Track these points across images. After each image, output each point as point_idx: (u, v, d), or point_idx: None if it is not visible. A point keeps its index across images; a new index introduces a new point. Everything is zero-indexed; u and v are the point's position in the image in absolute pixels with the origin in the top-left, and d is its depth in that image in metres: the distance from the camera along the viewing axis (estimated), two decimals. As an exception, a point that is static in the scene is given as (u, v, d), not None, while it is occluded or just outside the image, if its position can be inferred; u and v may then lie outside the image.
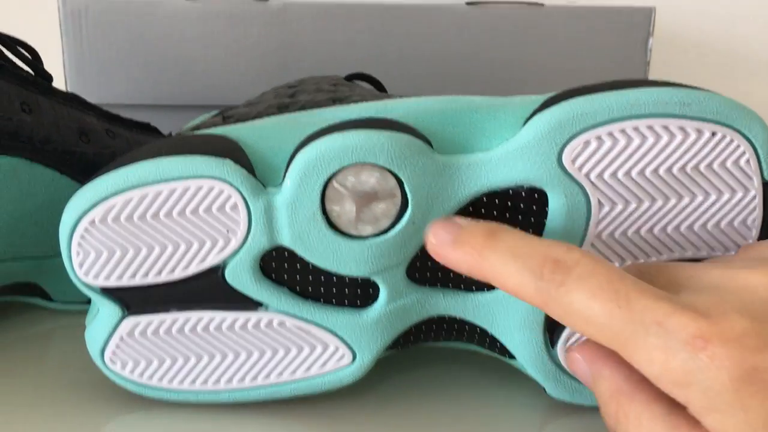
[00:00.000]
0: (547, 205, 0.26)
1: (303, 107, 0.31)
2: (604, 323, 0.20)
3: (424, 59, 0.52)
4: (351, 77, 0.39)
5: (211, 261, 0.26)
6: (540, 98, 0.27)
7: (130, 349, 0.28)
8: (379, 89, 0.40)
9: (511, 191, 0.26)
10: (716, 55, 0.70)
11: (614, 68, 0.53)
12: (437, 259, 0.25)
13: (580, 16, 0.52)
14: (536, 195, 0.26)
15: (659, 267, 0.23)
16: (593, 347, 0.23)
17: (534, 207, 0.26)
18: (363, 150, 0.25)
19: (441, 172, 0.26)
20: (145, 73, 0.52)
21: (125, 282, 0.27)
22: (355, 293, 0.27)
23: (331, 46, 0.51)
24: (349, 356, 0.28)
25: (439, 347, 0.30)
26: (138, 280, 0.27)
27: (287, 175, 0.26)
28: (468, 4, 0.52)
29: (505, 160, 0.26)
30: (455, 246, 0.24)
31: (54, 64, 0.48)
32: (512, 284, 0.22)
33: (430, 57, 0.52)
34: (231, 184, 0.25)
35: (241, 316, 0.27)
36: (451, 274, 0.28)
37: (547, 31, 0.52)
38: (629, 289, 0.20)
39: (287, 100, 0.33)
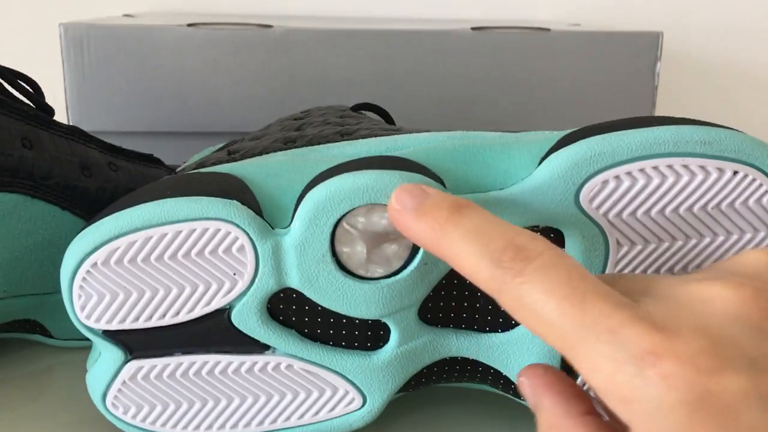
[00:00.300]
0: (563, 246, 0.26)
1: (310, 141, 0.31)
2: (555, 322, 0.18)
3: (430, 85, 0.51)
4: (358, 107, 0.38)
5: (217, 303, 0.26)
6: (555, 135, 0.26)
7: (132, 394, 0.27)
8: (387, 120, 0.39)
9: (526, 231, 0.25)
10: (722, 79, 0.69)
11: (622, 93, 0.53)
12: (397, 226, 0.23)
13: (586, 41, 0.52)
14: (552, 235, 0.25)
15: (614, 276, 0.22)
16: (539, 375, 0.22)
17: (550, 247, 0.26)
18: (374, 190, 0.24)
19: (454, 212, 0.25)
20: (147, 100, 0.51)
21: (128, 325, 0.26)
22: (365, 335, 0.27)
23: (336, 72, 0.51)
24: (359, 400, 0.27)
25: (451, 386, 0.30)
26: (141, 324, 0.26)
27: (296, 216, 0.25)
28: (474, 29, 0.52)
29: (520, 199, 0.25)
30: (417, 215, 0.22)
31: (55, 91, 0.48)
32: (468, 266, 0.21)
33: (435, 83, 0.51)
34: (238, 226, 0.25)
35: (247, 360, 0.27)
36: (464, 315, 0.27)
37: (554, 57, 0.52)
38: (588, 289, 0.19)
39: (294, 133, 0.32)
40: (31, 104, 0.34)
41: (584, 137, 0.25)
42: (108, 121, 0.51)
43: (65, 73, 0.50)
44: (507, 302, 0.20)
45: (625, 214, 0.25)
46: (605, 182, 0.24)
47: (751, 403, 0.16)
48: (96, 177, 0.35)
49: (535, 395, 0.22)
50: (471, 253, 0.20)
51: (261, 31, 0.50)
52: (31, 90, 0.34)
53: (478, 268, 0.20)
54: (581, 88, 0.52)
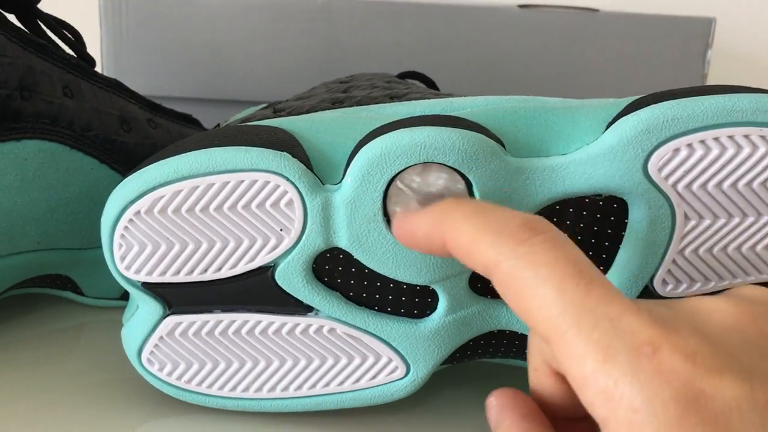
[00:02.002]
0: (626, 216, 0.24)
1: (359, 102, 0.30)
2: (552, 301, 0.17)
3: (472, 62, 0.50)
4: (403, 75, 0.37)
5: (261, 260, 0.25)
6: (623, 101, 0.25)
7: (169, 350, 0.26)
8: (432, 89, 0.38)
9: (587, 199, 0.24)
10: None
11: (670, 79, 0.51)
12: (398, 232, 0.22)
13: (636, 24, 0.50)
14: (615, 204, 0.24)
15: None
16: (507, 396, 0.21)
17: (612, 218, 0.24)
18: (432, 148, 0.23)
19: (513, 176, 0.24)
20: (184, 65, 0.50)
21: (168, 278, 0.25)
22: (412, 302, 0.26)
23: (377, 45, 0.50)
24: (402, 369, 0.26)
25: (496, 362, 0.29)
26: (182, 277, 0.25)
27: (348, 171, 0.24)
28: (520, 6, 0.50)
29: (584, 165, 0.24)
30: (421, 212, 0.21)
31: (91, 52, 0.47)
32: (465, 239, 0.19)
33: (478, 60, 0.50)
34: (288, 179, 0.24)
35: (289, 321, 0.26)
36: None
37: (601, 38, 0.50)
38: (594, 275, 0.17)
39: (341, 95, 0.31)
40: (73, 53, 0.33)
41: (656, 102, 0.23)
42: (144, 85, 0.50)
43: (102, 35, 0.50)
44: (501, 274, 0.18)
45: (695, 186, 0.23)
46: (677, 150, 0.23)
47: (744, 413, 0.15)
48: (135, 132, 0.34)
49: (499, 414, 0.21)
50: (472, 225, 0.19)
51: (303, -1, 0.49)
52: (72, 39, 0.34)
53: (478, 238, 0.19)
54: (627, 72, 0.51)
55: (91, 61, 0.34)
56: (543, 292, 0.17)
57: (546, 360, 0.20)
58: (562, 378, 0.20)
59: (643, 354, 0.16)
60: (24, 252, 0.32)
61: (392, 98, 0.30)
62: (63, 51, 0.32)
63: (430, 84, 0.38)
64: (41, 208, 0.31)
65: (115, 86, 0.34)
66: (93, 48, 0.49)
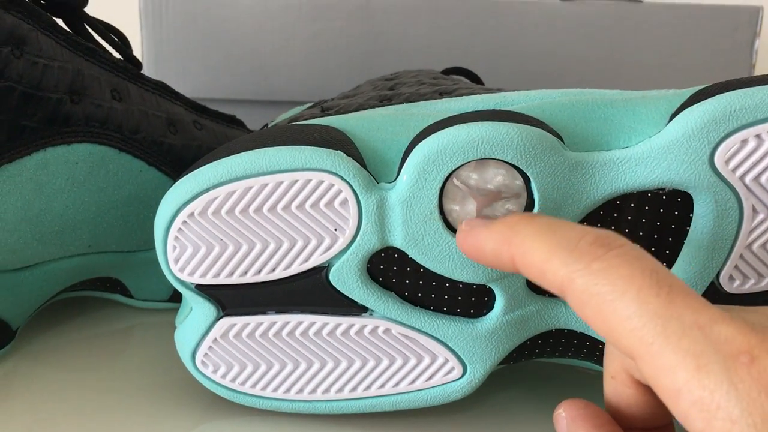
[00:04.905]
0: (691, 211, 0.24)
1: (408, 99, 0.29)
2: (634, 313, 0.16)
3: (515, 58, 0.49)
4: (448, 71, 0.37)
5: (315, 261, 0.24)
6: (685, 92, 0.24)
7: (223, 352, 0.26)
8: (478, 85, 0.37)
9: (649, 194, 0.24)
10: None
11: (716, 70, 0.50)
12: (465, 242, 0.22)
13: (681, 14, 0.49)
14: (679, 199, 0.24)
15: None
16: (580, 407, 0.20)
17: (676, 212, 0.24)
18: (490, 144, 0.23)
19: (573, 171, 0.23)
20: (224, 66, 0.50)
21: (222, 280, 0.25)
22: (469, 301, 0.25)
23: (417, 42, 0.49)
24: (459, 369, 0.26)
25: (553, 362, 0.28)
26: (236, 279, 0.25)
27: (403, 169, 0.23)
28: (562, -1, 0.49)
29: (647, 158, 0.23)
30: (488, 225, 0.21)
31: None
32: (538, 257, 0.18)
33: (520, 55, 0.49)
34: (342, 178, 0.23)
35: (343, 322, 0.25)
36: (575, 284, 0.25)
37: (646, 30, 0.49)
38: (674, 284, 0.17)
39: (388, 92, 0.31)
40: (120, 57, 0.33)
41: (722, 91, 0.22)
42: (184, 87, 0.50)
43: (143, 37, 0.50)
44: (576, 291, 0.17)
45: (764, 178, 0.23)
46: (744, 141, 0.22)
47: None
48: (181, 134, 0.34)
49: (571, 426, 0.20)
50: (543, 243, 0.18)
51: (341, -3, 0.49)
52: (119, 42, 0.34)
53: (550, 257, 0.18)
54: (673, 63, 0.50)
55: (138, 64, 0.34)
56: (622, 305, 0.16)
57: (626, 368, 0.19)
58: (643, 388, 0.19)
59: (741, 363, 0.15)
60: (75, 255, 0.32)
61: (441, 94, 0.29)
62: (110, 54, 0.32)
63: (476, 80, 0.37)
64: (92, 212, 0.31)
65: (160, 88, 0.34)
66: (134, 52, 0.49)
